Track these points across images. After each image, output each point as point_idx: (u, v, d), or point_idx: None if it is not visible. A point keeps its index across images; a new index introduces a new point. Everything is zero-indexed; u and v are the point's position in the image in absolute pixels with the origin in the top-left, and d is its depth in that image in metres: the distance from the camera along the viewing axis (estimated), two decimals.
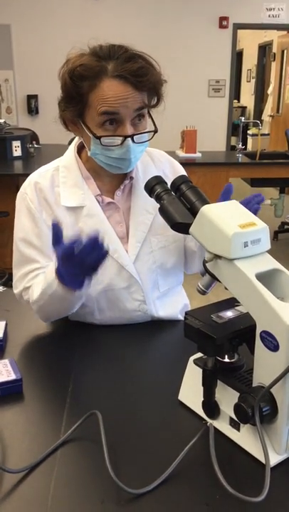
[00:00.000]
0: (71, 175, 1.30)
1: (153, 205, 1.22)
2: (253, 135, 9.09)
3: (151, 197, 1.12)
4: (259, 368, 0.84)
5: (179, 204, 1.05)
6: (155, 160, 1.40)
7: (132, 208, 1.32)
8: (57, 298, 1.17)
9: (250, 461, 0.85)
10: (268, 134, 8.98)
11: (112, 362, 1.19)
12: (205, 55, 6.87)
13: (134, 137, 1.17)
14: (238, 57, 8.22)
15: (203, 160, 4.54)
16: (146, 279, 1.33)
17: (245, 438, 0.88)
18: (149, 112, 1.22)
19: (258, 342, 0.82)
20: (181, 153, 4.58)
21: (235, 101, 9.90)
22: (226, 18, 6.76)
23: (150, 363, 1.21)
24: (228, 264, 0.85)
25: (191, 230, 0.92)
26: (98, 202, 1.29)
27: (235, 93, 9.27)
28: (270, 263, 0.87)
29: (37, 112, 6.77)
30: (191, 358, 0.99)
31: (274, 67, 9.10)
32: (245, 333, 0.88)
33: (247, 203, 1.16)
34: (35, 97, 6.70)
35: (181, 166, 1.45)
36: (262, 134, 6.32)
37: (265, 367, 0.83)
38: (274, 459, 0.83)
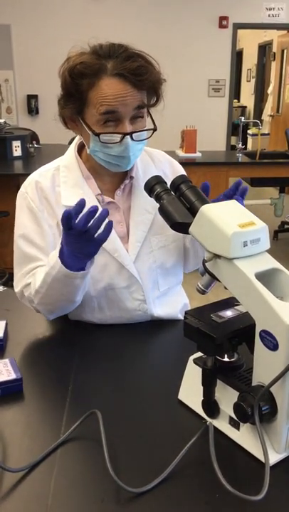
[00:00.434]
0: (72, 174, 1.30)
1: (153, 204, 1.22)
2: (253, 135, 9.09)
3: (150, 196, 1.13)
4: (258, 367, 0.85)
5: (179, 204, 1.05)
6: (155, 160, 1.41)
7: (132, 208, 1.33)
8: (60, 282, 1.17)
9: (249, 460, 0.86)
10: (268, 134, 8.98)
11: (112, 361, 1.19)
12: (205, 54, 6.87)
13: (133, 135, 1.17)
14: (238, 56, 8.20)
15: (203, 160, 4.53)
16: (147, 279, 1.33)
17: (244, 437, 0.88)
18: (148, 111, 1.23)
19: (258, 341, 0.83)
20: (181, 153, 4.58)
21: (235, 101, 9.89)
22: (225, 18, 6.76)
23: (150, 363, 1.22)
24: (227, 264, 0.86)
25: (190, 229, 0.93)
26: (98, 201, 1.29)
27: (235, 93, 9.26)
28: (270, 262, 0.88)
29: (37, 112, 6.77)
30: (191, 358, 0.99)
31: (274, 66, 9.10)
32: (245, 332, 0.88)
33: (230, 196, 1.18)
34: (35, 97, 6.71)
35: (180, 166, 1.45)
36: (262, 134, 6.32)
37: (264, 366, 0.83)
38: (273, 458, 0.84)
